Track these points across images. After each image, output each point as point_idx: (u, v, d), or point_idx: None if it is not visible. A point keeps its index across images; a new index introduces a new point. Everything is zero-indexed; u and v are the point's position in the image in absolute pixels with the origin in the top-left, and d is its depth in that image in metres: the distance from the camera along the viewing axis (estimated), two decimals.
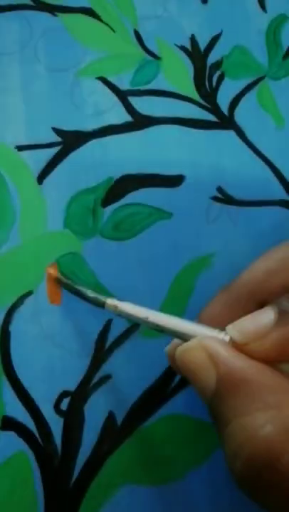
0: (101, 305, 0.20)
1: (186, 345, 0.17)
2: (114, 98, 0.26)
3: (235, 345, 0.16)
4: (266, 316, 0.16)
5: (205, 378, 0.16)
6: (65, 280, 0.23)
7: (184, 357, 0.17)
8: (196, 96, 0.27)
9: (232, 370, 0.15)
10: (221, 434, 0.15)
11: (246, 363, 0.16)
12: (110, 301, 0.20)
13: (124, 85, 0.26)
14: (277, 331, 0.16)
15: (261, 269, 0.19)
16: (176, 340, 0.19)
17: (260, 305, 0.18)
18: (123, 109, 0.26)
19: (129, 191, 0.25)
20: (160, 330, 0.18)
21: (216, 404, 0.15)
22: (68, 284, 0.22)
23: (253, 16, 0.30)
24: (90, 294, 0.21)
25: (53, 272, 0.23)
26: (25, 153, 0.24)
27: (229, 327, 0.17)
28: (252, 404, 0.14)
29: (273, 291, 0.19)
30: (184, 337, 0.17)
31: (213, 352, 0.16)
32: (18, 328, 0.23)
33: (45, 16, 0.26)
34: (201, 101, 0.27)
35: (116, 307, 0.20)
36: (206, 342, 0.16)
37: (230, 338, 0.17)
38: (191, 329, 0.18)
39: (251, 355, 0.16)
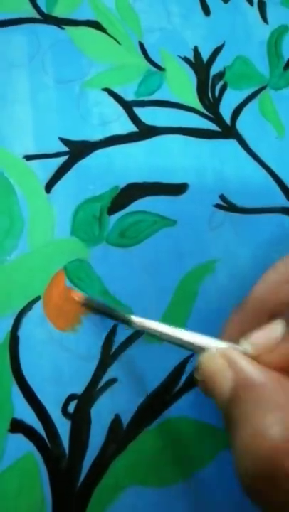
0: (127, 322, 0.21)
1: (208, 352, 0.18)
2: (120, 109, 0.27)
3: (249, 357, 0.18)
4: (275, 329, 0.18)
5: (222, 383, 0.17)
6: (91, 302, 0.23)
7: (206, 363, 0.18)
8: (199, 106, 0.28)
9: (248, 375, 0.17)
10: (231, 437, 0.16)
11: (261, 370, 0.17)
12: (135, 318, 0.21)
13: (129, 96, 0.27)
14: (285, 343, 0.17)
15: (269, 283, 0.21)
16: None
17: (272, 316, 0.19)
18: (128, 120, 0.27)
19: (135, 199, 0.26)
20: (180, 344, 0.20)
21: (230, 408, 0.16)
22: (94, 306, 0.23)
23: (255, 27, 0.30)
24: (116, 312, 0.22)
25: (77, 296, 0.23)
26: (33, 163, 0.25)
27: (242, 340, 0.18)
28: (263, 406, 0.15)
29: (283, 302, 0.20)
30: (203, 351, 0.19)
31: (232, 359, 0.17)
32: (26, 332, 0.23)
33: (52, 28, 0.27)
34: (204, 111, 0.28)
35: (141, 323, 0.21)
36: (226, 351, 0.18)
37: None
38: (211, 343, 0.19)
39: (268, 366, 0.17)
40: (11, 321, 0.23)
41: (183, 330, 0.20)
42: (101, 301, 0.24)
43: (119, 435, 0.23)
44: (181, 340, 0.20)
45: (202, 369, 0.18)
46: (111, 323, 0.24)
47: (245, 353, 0.18)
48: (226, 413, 0.17)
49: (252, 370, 0.17)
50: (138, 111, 0.27)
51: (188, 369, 0.24)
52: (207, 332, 0.25)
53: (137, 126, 0.27)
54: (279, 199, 0.28)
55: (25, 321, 0.23)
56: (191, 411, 0.24)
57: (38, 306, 0.23)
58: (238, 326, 0.21)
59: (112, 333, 0.24)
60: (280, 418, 0.15)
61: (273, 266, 0.21)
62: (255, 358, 0.17)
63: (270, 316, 0.19)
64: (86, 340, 0.24)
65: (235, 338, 0.19)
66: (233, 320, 0.21)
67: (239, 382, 0.17)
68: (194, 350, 0.19)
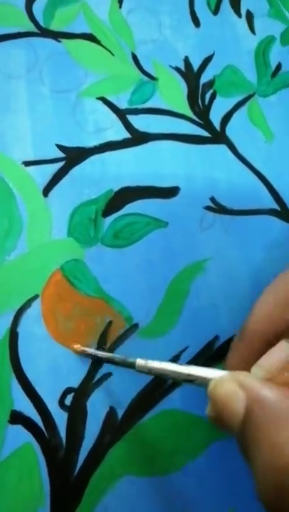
0: (132, 366, 0.21)
1: (218, 378, 0.18)
2: (114, 116, 0.28)
3: (268, 380, 0.18)
4: (282, 350, 0.18)
5: (235, 407, 0.17)
6: (90, 351, 0.24)
7: (217, 389, 0.18)
8: (189, 113, 0.29)
9: (260, 393, 0.17)
10: (249, 458, 0.16)
11: (272, 388, 0.17)
12: (140, 361, 0.21)
13: (123, 104, 0.28)
14: None
15: (263, 315, 0.21)
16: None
17: (273, 342, 0.20)
18: (122, 127, 0.28)
19: (128, 202, 0.27)
20: (191, 380, 0.19)
21: (245, 429, 0.16)
22: (94, 355, 0.24)
23: (243, 37, 0.32)
24: (118, 358, 0.22)
25: (77, 347, 0.24)
26: (31, 168, 0.26)
27: (253, 368, 0.18)
28: (279, 422, 0.16)
29: (279, 329, 0.21)
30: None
31: (241, 380, 0.17)
32: (25, 329, 0.24)
33: (49, 41, 0.28)
34: (195, 118, 0.29)
35: (146, 364, 0.21)
36: (235, 374, 0.18)
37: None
38: (218, 374, 0.19)
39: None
40: (11, 318, 0.24)
41: (187, 365, 0.20)
42: (100, 351, 0.24)
43: (114, 426, 0.24)
44: (188, 375, 0.19)
45: (213, 395, 0.18)
46: (105, 320, 0.25)
47: (259, 378, 0.18)
48: (240, 433, 0.17)
49: (263, 388, 0.17)
50: (131, 118, 0.28)
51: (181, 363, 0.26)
52: (198, 328, 0.26)
53: (131, 133, 0.28)
54: (267, 201, 0.29)
55: (24, 318, 0.24)
56: (182, 404, 0.25)
57: (37, 304, 0.25)
58: (241, 355, 0.21)
59: (106, 330, 0.25)
60: None
61: (266, 291, 0.22)
62: (273, 380, 0.18)
63: (271, 344, 0.19)
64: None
65: (240, 367, 0.19)
66: (235, 350, 0.22)
67: (252, 401, 0.17)
68: (202, 384, 0.19)
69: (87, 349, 0.24)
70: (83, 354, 0.24)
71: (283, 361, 0.18)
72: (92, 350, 0.24)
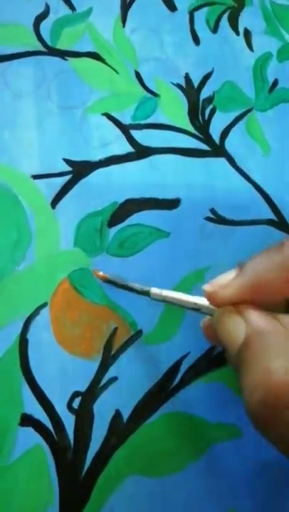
0: (147, 294, 0.24)
1: (224, 308, 0.21)
2: (118, 131, 0.29)
3: (209, 294, 0.21)
4: (231, 271, 0.21)
5: (236, 333, 0.20)
6: (112, 279, 0.26)
7: (222, 317, 0.21)
8: (190, 128, 0.30)
9: (260, 325, 0.19)
10: (242, 375, 0.19)
11: (271, 321, 0.20)
12: (154, 290, 0.24)
13: (127, 120, 0.29)
14: (235, 280, 0.21)
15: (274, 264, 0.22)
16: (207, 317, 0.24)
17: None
18: (126, 141, 0.29)
19: (132, 213, 0.28)
20: (198, 308, 0.23)
21: (242, 353, 0.19)
22: (116, 282, 0.26)
23: (241, 54, 0.33)
24: (137, 286, 0.25)
25: (100, 274, 0.26)
26: (39, 182, 0.27)
27: (205, 284, 0.22)
28: (273, 351, 0.18)
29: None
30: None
31: (245, 313, 0.20)
32: (34, 335, 0.25)
33: (56, 60, 0.30)
34: (195, 132, 0.30)
35: (160, 293, 0.24)
36: (239, 307, 0.21)
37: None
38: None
39: (221, 300, 0.21)
40: (21, 325, 0.25)
41: (197, 296, 0.23)
42: (122, 279, 0.26)
43: (120, 429, 0.25)
44: (195, 304, 0.23)
45: (221, 322, 0.21)
46: (111, 326, 0.26)
47: (204, 291, 0.21)
48: (238, 357, 0.19)
49: (263, 321, 0.20)
50: (135, 133, 0.29)
51: (183, 368, 0.27)
52: (199, 335, 0.27)
53: (134, 147, 0.29)
54: (265, 212, 0.30)
55: (34, 325, 0.25)
56: (185, 407, 0.26)
57: (45, 311, 0.26)
58: (237, 289, 0.22)
59: (112, 336, 0.26)
60: (284, 360, 0.18)
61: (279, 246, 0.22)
62: (214, 295, 0.21)
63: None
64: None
65: (235, 299, 0.21)
66: (231, 285, 0.22)
67: (252, 330, 0.19)
68: (206, 313, 0.22)
69: (108, 276, 0.26)
70: (106, 281, 0.26)
71: (228, 279, 0.21)
72: (112, 277, 0.26)
